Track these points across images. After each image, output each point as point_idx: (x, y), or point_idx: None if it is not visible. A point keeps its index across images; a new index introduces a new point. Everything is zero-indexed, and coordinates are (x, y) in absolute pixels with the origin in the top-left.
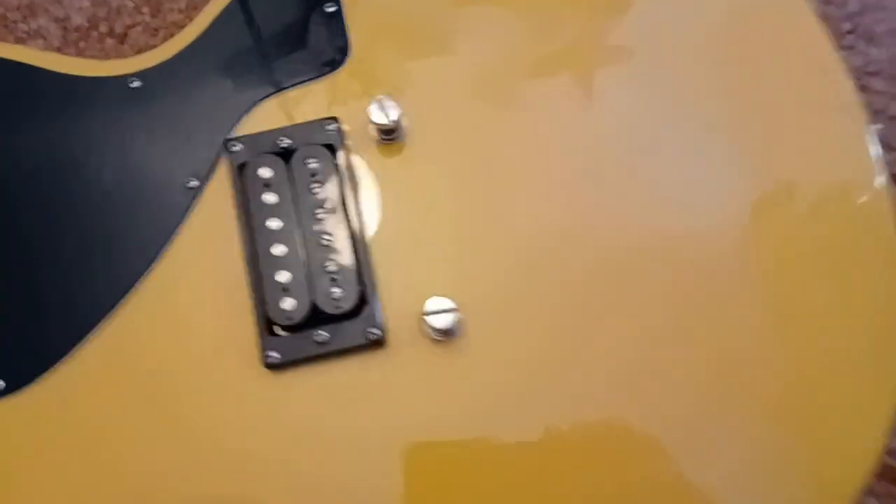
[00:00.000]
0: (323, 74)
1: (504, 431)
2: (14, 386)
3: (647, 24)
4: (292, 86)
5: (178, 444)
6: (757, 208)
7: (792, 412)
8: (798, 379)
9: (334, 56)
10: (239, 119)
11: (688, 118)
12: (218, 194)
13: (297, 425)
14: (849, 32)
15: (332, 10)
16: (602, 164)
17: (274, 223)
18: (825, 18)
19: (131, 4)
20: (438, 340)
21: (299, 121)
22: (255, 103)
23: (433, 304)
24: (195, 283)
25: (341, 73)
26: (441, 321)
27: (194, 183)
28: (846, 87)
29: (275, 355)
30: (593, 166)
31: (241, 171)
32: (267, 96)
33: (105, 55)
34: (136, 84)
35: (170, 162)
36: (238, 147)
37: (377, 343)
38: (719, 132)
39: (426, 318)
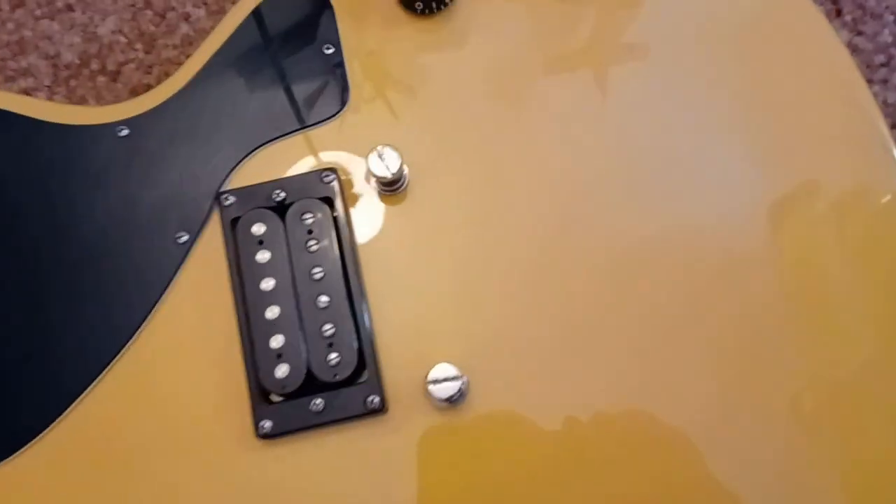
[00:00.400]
0: (321, 121)
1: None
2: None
3: (665, 21)
4: (288, 133)
5: None
6: (779, 207)
7: (819, 414)
8: (828, 380)
9: (332, 101)
10: (231, 170)
11: (709, 117)
12: (209, 250)
13: (290, 498)
14: (882, 65)
15: (330, 51)
16: (627, 186)
17: (267, 283)
18: (856, 51)
19: (124, 40)
20: (443, 406)
21: (295, 172)
22: (248, 153)
23: (438, 371)
24: (184, 348)
25: (340, 120)
26: (446, 390)
27: (185, 238)
28: (863, 88)
29: (267, 425)
30: (609, 191)
31: (234, 226)
32: (261, 145)
33: (97, 94)
34: (124, 132)
35: (160, 215)
36: (231, 200)
37: (377, 412)
38: (740, 131)
39: (431, 387)
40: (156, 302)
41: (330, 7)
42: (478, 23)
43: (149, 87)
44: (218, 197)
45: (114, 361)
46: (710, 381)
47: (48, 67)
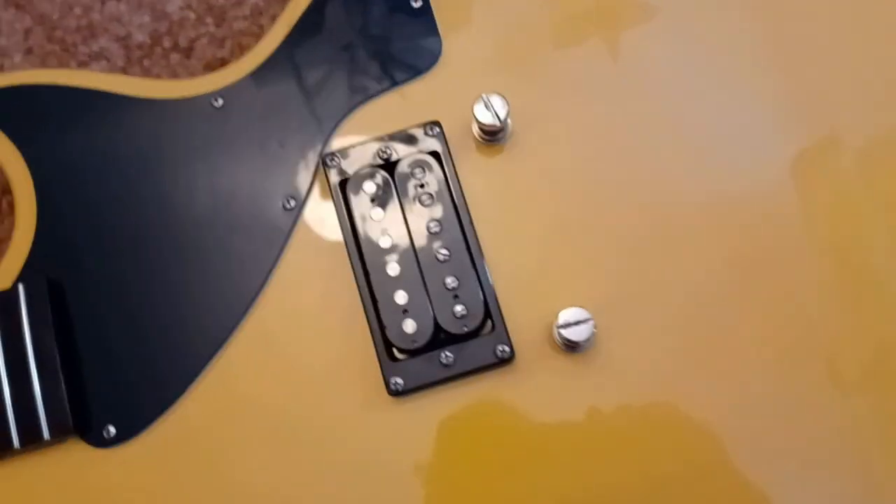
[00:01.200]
0: (415, 75)
1: (642, 439)
2: (125, 434)
3: None
4: (384, 91)
5: (301, 479)
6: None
7: (870, 385)
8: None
9: (425, 55)
10: (332, 131)
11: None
12: (319, 213)
13: (423, 453)
14: None
15: (418, 5)
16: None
17: (385, 240)
18: None
19: (193, 16)
20: (572, 352)
21: (397, 128)
22: (346, 113)
23: (568, 315)
24: (305, 312)
25: (435, 73)
26: (580, 333)
27: (293, 203)
28: None
29: (399, 381)
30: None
31: (343, 187)
32: (358, 104)
33: (172, 71)
34: (219, 103)
35: (263, 183)
36: (337, 162)
37: (506, 361)
38: (768, 79)
39: (562, 331)
40: (270, 269)
41: None
42: None
43: (223, 61)
44: (323, 159)
45: (236, 331)
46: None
47: (120, 49)
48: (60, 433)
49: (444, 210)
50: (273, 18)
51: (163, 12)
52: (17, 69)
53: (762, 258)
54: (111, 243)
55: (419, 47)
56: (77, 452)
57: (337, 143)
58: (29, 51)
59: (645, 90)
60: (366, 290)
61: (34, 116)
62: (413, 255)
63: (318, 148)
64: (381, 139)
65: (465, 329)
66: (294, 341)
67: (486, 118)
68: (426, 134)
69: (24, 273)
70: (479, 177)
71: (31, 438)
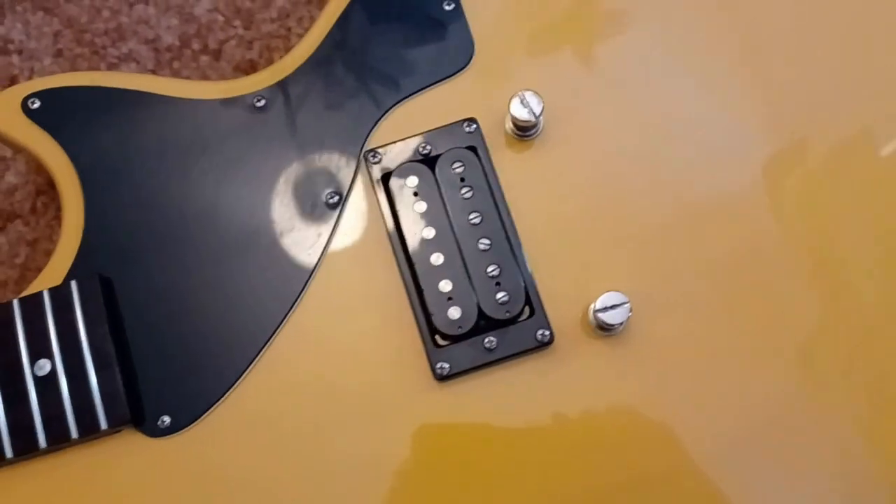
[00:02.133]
0: (450, 75)
1: (684, 418)
2: (180, 423)
3: None
4: (420, 90)
5: (351, 468)
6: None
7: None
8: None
9: (459, 55)
10: (371, 129)
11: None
12: (361, 207)
13: (469, 436)
14: None
15: (450, 7)
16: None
17: (429, 232)
18: None
19: (221, 18)
20: (607, 334)
21: (435, 125)
22: (385, 112)
23: (607, 299)
24: (349, 303)
25: (468, 72)
26: (616, 316)
27: (336, 198)
28: None
29: (445, 366)
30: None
31: (385, 182)
32: (396, 103)
33: (202, 73)
34: (260, 103)
35: (306, 179)
36: (378, 158)
37: (547, 345)
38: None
39: (600, 314)
40: (316, 263)
41: None
42: None
43: (252, 63)
44: (365, 156)
45: (284, 322)
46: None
47: (149, 51)
48: (117, 423)
49: (484, 202)
50: (300, 21)
51: (191, 15)
52: (47, 72)
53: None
54: (158, 239)
55: (452, 47)
56: (133, 442)
57: (377, 140)
58: (59, 53)
59: (662, 87)
60: (410, 280)
61: (79, 118)
62: (456, 246)
63: (359, 145)
64: (420, 135)
65: (508, 315)
66: (340, 332)
67: (522, 114)
68: (463, 130)
69: (74, 270)
70: (516, 170)
71: (89, 429)
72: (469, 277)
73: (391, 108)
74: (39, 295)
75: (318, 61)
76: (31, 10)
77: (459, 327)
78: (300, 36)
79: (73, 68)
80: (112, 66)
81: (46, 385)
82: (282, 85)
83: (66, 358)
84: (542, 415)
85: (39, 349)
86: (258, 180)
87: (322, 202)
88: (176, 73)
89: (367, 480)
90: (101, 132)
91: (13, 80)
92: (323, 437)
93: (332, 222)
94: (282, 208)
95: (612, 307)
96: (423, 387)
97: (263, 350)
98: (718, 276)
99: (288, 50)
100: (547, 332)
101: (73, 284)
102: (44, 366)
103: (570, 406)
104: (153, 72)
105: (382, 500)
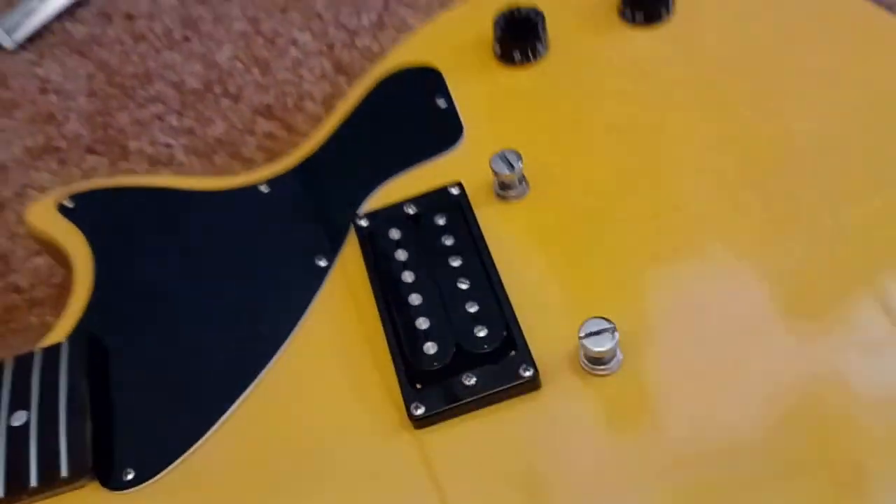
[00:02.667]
0: (440, 152)
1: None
2: (143, 476)
3: None
4: (411, 166)
5: None
6: None
7: None
8: None
9: (449, 138)
10: (363, 201)
11: None
12: (348, 265)
13: (451, 479)
14: None
15: (443, 105)
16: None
17: (408, 276)
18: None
19: (241, 65)
20: (593, 370)
21: (422, 191)
22: (376, 187)
23: (590, 325)
24: (331, 349)
25: (457, 149)
26: (602, 342)
27: (324, 262)
28: None
29: (420, 407)
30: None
31: (370, 239)
32: (387, 178)
33: (223, 115)
34: (265, 190)
35: (300, 247)
36: (365, 221)
37: (530, 382)
38: None
39: (583, 341)
40: (298, 319)
41: (437, 71)
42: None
43: (268, 107)
44: (353, 219)
45: (256, 380)
46: None
47: (175, 93)
48: (78, 472)
49: (465, 246)
50: (311, 70)
51: (213, 62)
52: (82, 110)
53: None
54: (157, 307)
55: (445, 134)
56: (94, 497)
57: (366, 209)
58: (92, 93)
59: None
60: (388, 318)
61: (106, 216)
62: (435, 288)
63: (352, 213)
64: (407, 200)
65: (486, 349)
66: (323, 378)
67: (502, 168)
68: (448, 192)
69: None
70: (498, 221)
71: (49, 478)
72: (447, 314)
73: (383, 182)
74: (32, 353)
75: (319, 158)
76: (68, 53)
77: (435, 362)
78: (312, 83)
79: (105, 106)
80: (140, 105)
81: (18, 435)
82: (285, 176)
83: (42, 410)
84: (524, 457)
85: (21, 401)
86: (256, 252)
87: (312, 263)
88: (199, 114)
89: None
90: (122, 223)
91: (51, 118)
92: (290, 491)
93: (318, 282)
94: (273, 271)
95: (597, 333)
96: (399, 429)
97: (235, 404)
98: (705, 313)
99: (300, 96)
100: (530, 369)
101: (64, 344)
102: (20, 416)
103: (555, 447)
104: (178, 112)
105: None
